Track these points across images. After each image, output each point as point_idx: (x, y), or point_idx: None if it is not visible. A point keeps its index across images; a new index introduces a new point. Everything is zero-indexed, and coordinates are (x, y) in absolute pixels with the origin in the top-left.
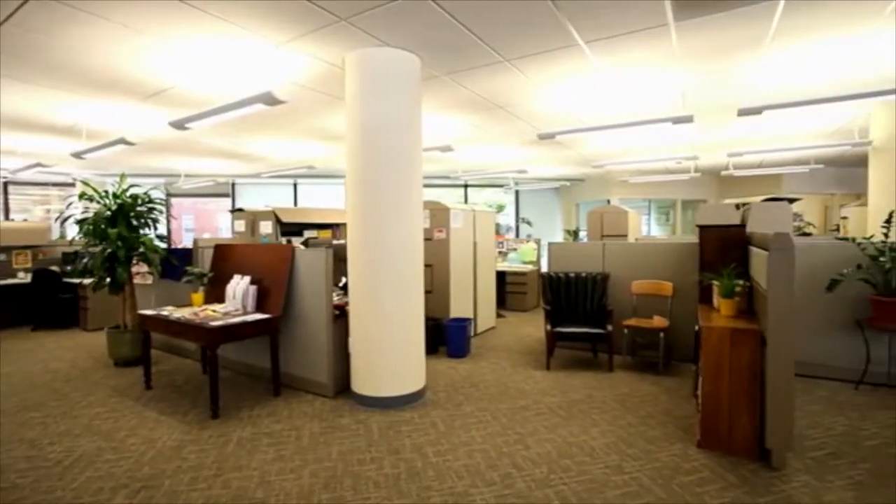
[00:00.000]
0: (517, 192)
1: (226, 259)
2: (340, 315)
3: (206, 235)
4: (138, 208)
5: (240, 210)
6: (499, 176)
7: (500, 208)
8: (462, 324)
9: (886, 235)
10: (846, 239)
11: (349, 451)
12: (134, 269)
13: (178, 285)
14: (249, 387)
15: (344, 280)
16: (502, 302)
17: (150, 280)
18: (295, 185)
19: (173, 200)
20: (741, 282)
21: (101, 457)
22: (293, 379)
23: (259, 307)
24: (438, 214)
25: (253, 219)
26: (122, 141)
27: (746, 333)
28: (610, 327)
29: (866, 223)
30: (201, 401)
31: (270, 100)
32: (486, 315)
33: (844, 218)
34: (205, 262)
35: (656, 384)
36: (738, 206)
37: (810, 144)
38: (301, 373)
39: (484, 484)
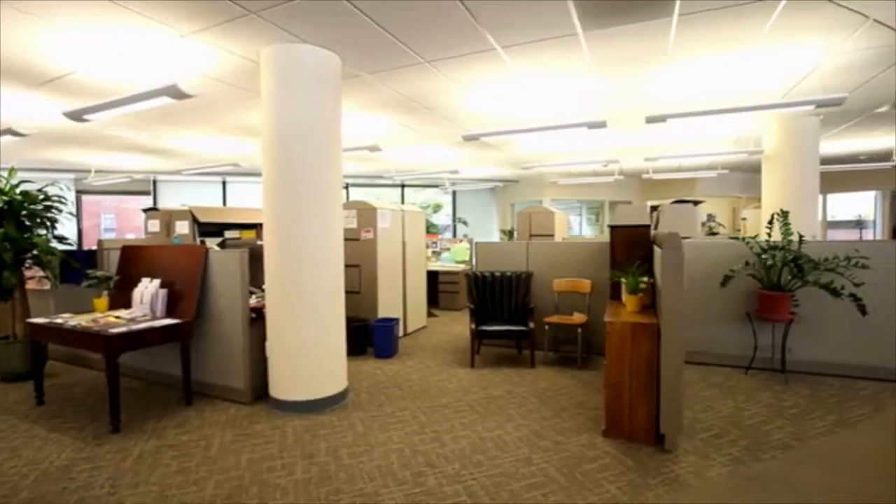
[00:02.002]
0: (454, 193)
1: (134, 261)
2: (258, 318)
3: (130, 236)
4: (31, 206)
5: (153, 209)
6: (433, 176)
7: (438, 208)
8: (389, 324)
9: (770, 235)
10: (737, 238)
11: (260, 458)
12: (28, 274)
13: (81, 291)
14: (160, 397)
15: None
16: (435, 301)
17: (47, 285)
18: (224, 183)
19: (89, 198)
20: (646, 278)
21: None
22: (208, 387)
23: (169, 312)
24: (365, 214)
25: (168, 218)
26: (10, 132)
27: (645, 327)
28: (532, 325)
29: (761, 224)
30: (102, 415)
31: (176, 93)
32: (417, 315)
33: (744, 219)
34: (111, 265)
35: (574, 378)
36: (654, 208)
37: (714, 151)
38: (216, 380)
39: (395, 483)
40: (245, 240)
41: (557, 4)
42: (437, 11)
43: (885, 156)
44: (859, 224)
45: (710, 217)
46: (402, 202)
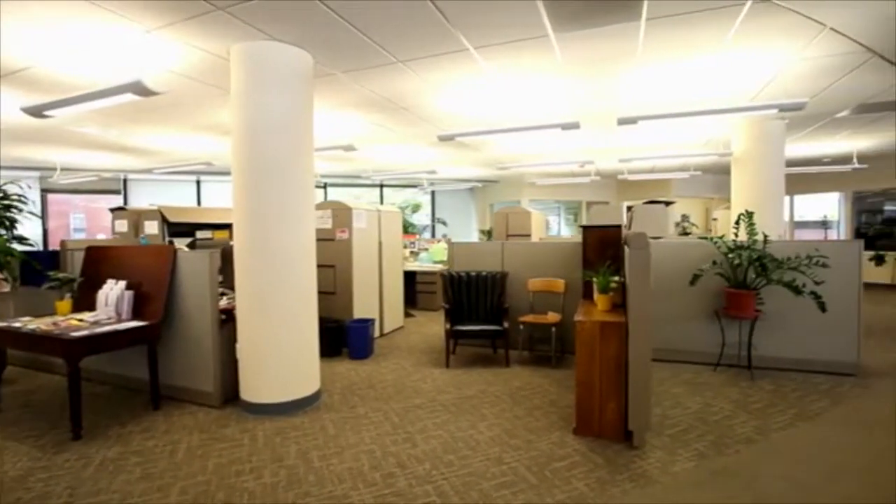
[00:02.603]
0: (433, 193)
1: (99, 262)
2: (228, 319)
3: (101, 236)
4: None
5: (121, 209)
6: (411, 176)
7: (417, 208)
8: (364, 325)
9: (736, 235)
10: (705, 238)
11: (228, 462)
12: None
13: (43, 293)
14: (126, 402)
15: None
16: (413, 301)
17: (6, 287)
18: (198, 183)
19: (56, 197)
20: (616, 278)
21: None
22: (176, 390)
23: (136, 314)
24: (340, 214)
25: (137, 218)
26: None
27: (614, 326)
28: (507, 324)
29: (731, 224)
30: (63, 421)
31: (141, 89)
32: (394, 315)
33: (715, 219)
34: (75, 266)
35: (547, 377)
36: (630, 209)
37: (686, 153)
38: (185, 383)
39: (365, 485)
40: (217, 240)
41: (527, 5)
42: (408, 11)
43: (846, 159)
44: (824, 224)
45: (685, 217)
46: (381, 202)
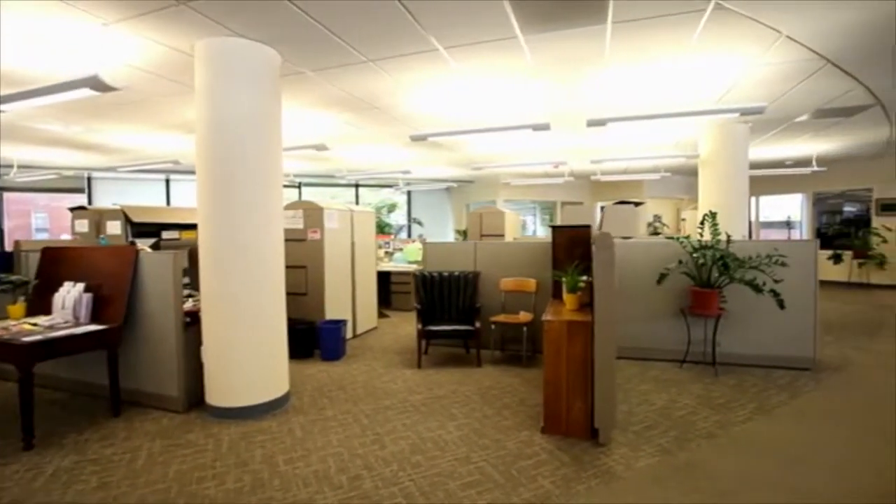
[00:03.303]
0: (409, 193)
1: (56, 264)
2: (193, 322)
3: (65, 237)
4: None
5: (81, 208)
6: (385, 176)
7: (393, 208)
8: (336, 325)
9: (701, 235)
10: (671, 238)
11: (190, 468)
12: None
13: None
14: (85, 409)
15: None
16: (388, 302)
17: None
18: (167, 182)
19: (15, 196)
20: (584, 277)
21: None
22: (139, 395)
23: (95, 317)
24: (312, 214)
25: (98, 218)
26: None
27: (581, 325)
28: (479, 324)
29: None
30: (14, 431)
31: (98, 84)
32: (367, 315)
33: (683, 219)
34: (31, 268)
35: (518, 376)
36: (602, 209)
37: (655, 154)
38: (148, 388)
39: (330, 488)
40: (185, 240)
41: (494, 6)
42: (375, 10)
43: (807, 161)
44: (788, 225)
45: (657, 217)
46: (357, 202)
